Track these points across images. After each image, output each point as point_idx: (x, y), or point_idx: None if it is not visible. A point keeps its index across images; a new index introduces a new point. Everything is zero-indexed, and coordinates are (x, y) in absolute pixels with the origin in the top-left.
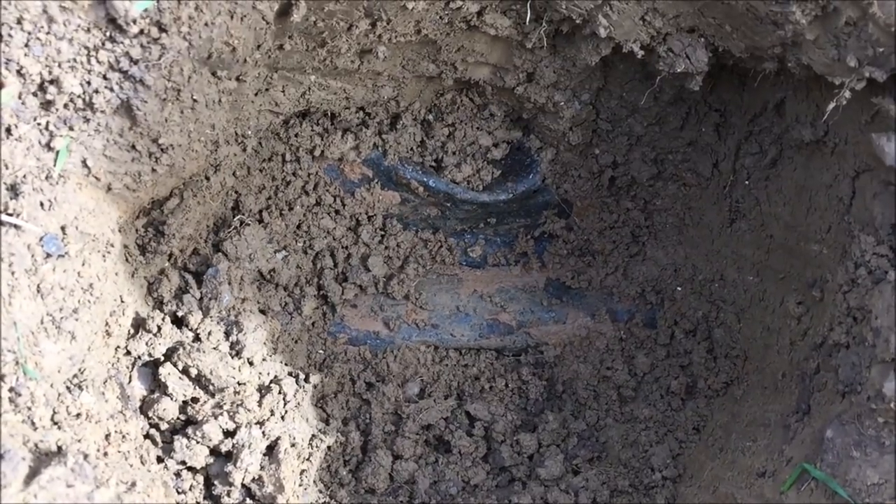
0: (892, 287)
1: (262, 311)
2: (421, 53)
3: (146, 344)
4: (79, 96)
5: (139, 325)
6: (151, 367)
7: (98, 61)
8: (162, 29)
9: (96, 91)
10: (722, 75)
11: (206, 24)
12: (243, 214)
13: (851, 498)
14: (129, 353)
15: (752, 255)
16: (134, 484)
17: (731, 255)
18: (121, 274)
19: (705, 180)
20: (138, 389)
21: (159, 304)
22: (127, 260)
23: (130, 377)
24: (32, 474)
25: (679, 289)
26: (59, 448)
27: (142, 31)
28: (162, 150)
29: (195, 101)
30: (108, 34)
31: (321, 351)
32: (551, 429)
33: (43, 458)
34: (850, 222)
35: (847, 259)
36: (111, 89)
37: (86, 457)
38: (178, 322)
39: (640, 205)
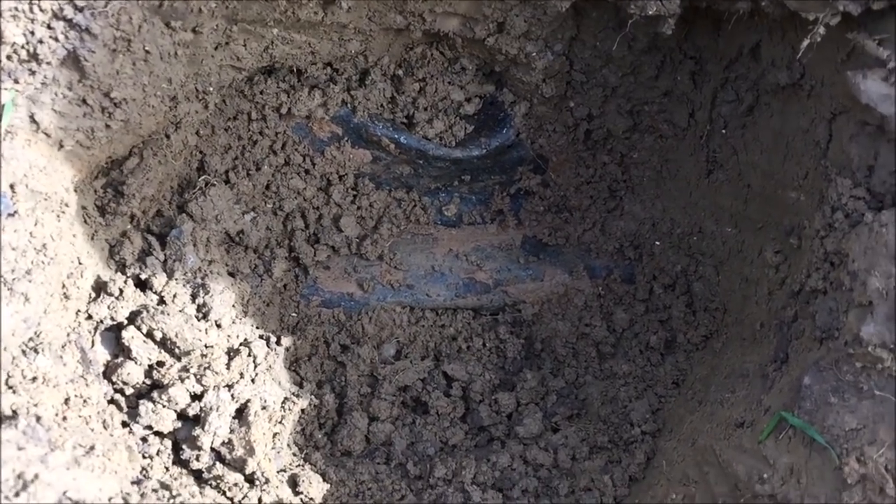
0: (868, 229)
1: (231, 274)
2: (387, 4)
3: (108, 307)
4: (22, 47)
5: (101, 288)
6: (115, 331)
7: (41, 9)
8: None
9: (40, 41)
10: (696, 20)
11: None
12: (208, 175)
13: (829, 444)
14: (90, 316)
15: (730, 206)
16: (93, 448)
17: (709, 206)
18: (79, 235)
19: (682, 131)
20: (101, 354)
21: (122, 267)
22: (85, 221)
23: (93, 341)
24: None
25: (657, 243)
26: (14, 412)
27: None
28: (115, 104)
29: (148, 52)
30: None
31: (294, 314)
32: (530, 387)
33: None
34: (826, 166)
35: (824, 204)
36: (56, 39)
37: (38, 419)
38: (142, 285)
39: (617, 158)
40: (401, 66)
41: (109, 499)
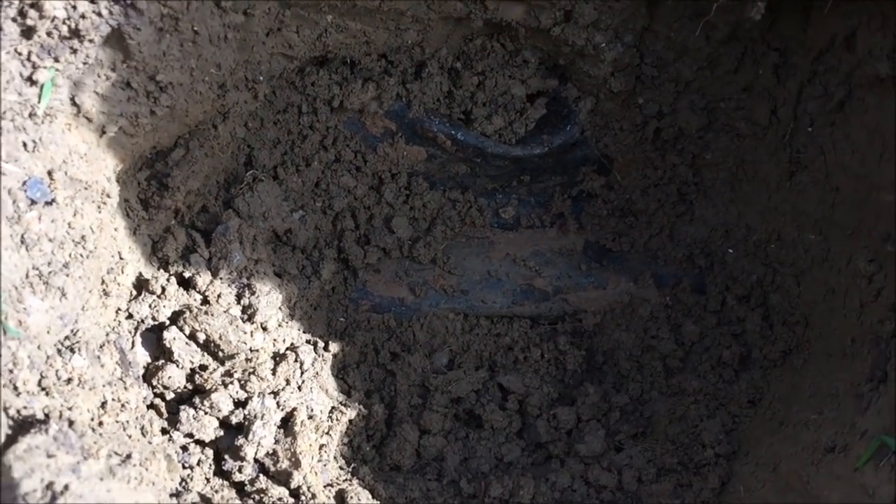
0: None
1: (278, 275)
2: None
3: (150, 306)
4: (63, 22)
5: (142, 285)
6: (156, 332)
7: None
8: None
9: (83, 16)
10: (783, 7)
11: None
12: (256, 170)
13: None
14: (131, 315)
15: (815, 211)
16: (129, 456)
17: (790, 211)
18: (120, 229)
19: (762, 129)
20: (142, 356)
21: (164, 264)
22: (128, 214)
23: (133, 342)
24: (9, 443)
25: (731, 251)
26: (47, 416)
27: None
28: (161, 88)
29: (196, 33)
30: None
31: (342, 318)
32: (591, 402)
33: (25, 427)
34: None
35: None
36: (99, 14)
37: (71, 424)
38: (185, 283)
39: (688, 159)
40: (459, 58)
41: None
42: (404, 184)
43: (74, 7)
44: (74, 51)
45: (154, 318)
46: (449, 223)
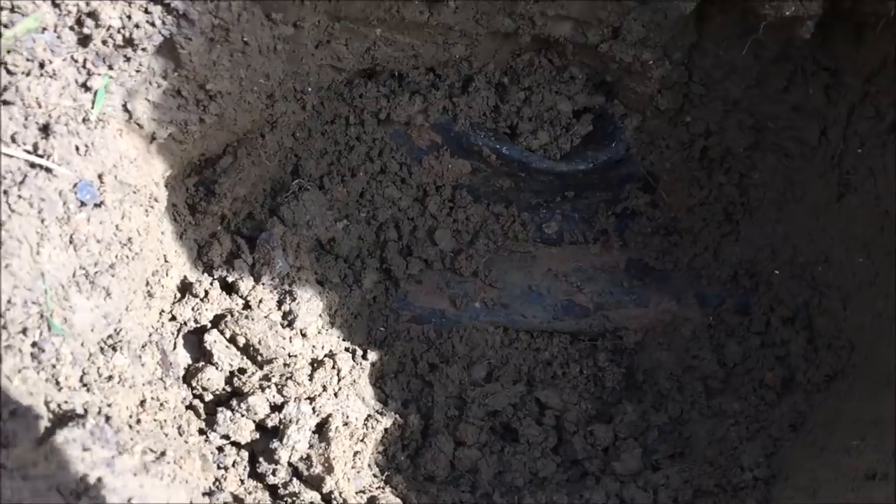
0: None
1: (320, 283)
2: (496, 5)
3: (192, 309)
4: (118, 31)
5: (186, 289)
6: (198, 335)
7: None
8: None
9: (137, 26)
10: (835, 25)
11: None
12: (303, 179)
13: None
14: (174, 317)
15: (864, 234)
16: (164, 454)
17: (838, 233)
18: (167, 233)
19: (810, 150)
20: (183, 357)
21: (209, 269)
22: (175, 219)
23: (175, 344)
24: (48, 435)
25: (777, 272)
26: (86, 411)
27: None
28: (210, 97)
29: (246, 43)
30: None
31: (382, 328)
32: (629, 420)
33: (63, 420)
34: None
35: None
36: (153, 24)
37: (108, 420)
38: (229, 288)
39: (735, 179)
40: (506, 73)
41: None
42: (448, 196)
43: (129, 17)
44: (128, 59)
45: (196, 321)
46: (492, 236)
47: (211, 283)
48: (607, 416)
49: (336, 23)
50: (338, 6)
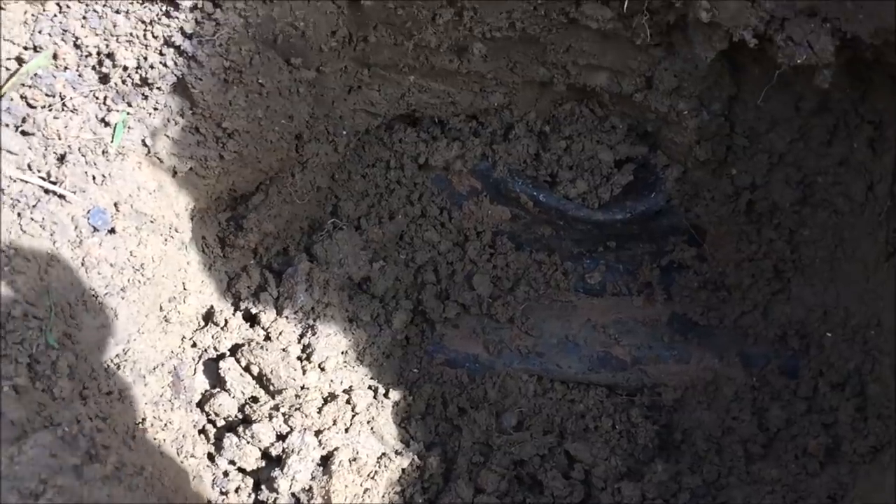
0: None
1: (351, 320)
2: (527, 54)
3: (213, 337)
4: (135, 70)
5: (209, 318)
6: (217, 362)
7: (153, 36)
8: (216, 4)
9: (151, 66)
10: (874, 79)
11: (263, 2)
12: (339, 219)
13: None
14: (195, 344)
15: None
16: (143, 468)
17: (890, 295)
18: (193, 263)
19: (859, 206)
20: (200, 382)
21: (237, 300)
22: (203, 251)
23: (195, 369)
24: (19, 438)
25: (829, 334)
26: (79, 422)
27: (196, 6)
28: (228, 135)
29: (262, 85)
30: (163, 8)
31: (416, 369)
32: (659, 480)
33: (39, 426)
34: None
35: None
36: (166, 65)
37: (83, 430)
38: (252, 319)
39: (785, 235)
40: (548, 122)
41: None
42: (488, 242)
43: (145, 58)
44: (145, 97)
45: (216, 349)
46: (533, 284)
47: (233, 314)
48: (638, 475)
49: (366, 69)
50: (365, 54)
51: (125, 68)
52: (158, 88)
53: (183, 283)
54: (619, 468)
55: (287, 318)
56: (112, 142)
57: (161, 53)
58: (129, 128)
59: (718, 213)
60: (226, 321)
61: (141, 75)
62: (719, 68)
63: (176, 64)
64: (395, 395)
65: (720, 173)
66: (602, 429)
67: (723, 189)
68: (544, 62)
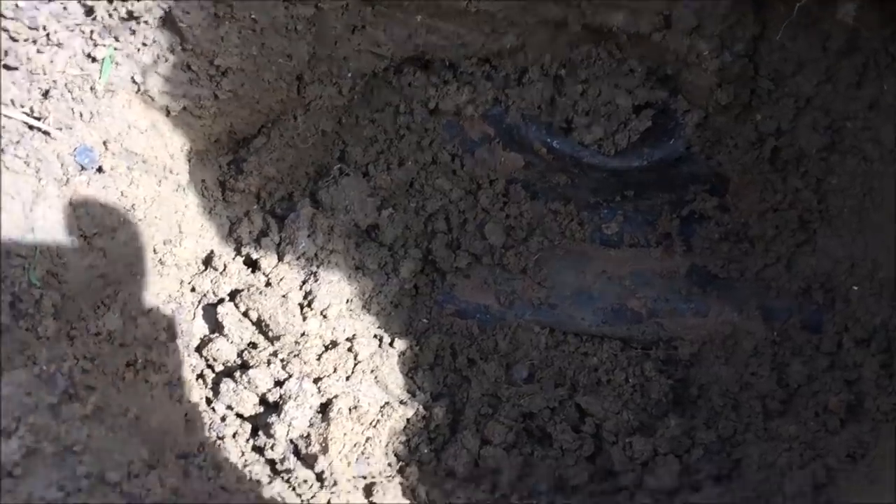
0: None
1: (358, 268)
2: None
3: (211, 282)
4: (121, 2)
5: (208, 262)
6: (216, 307)
7: None
8: None
9: None
10: None
11: None
12: (346, 165)
13: None
14: (194, 289)
15: None
16: (127, 409)
17: None
18: (191, 206)
19: (889, 152)
20: (199, 327)
21: (238, 245)
22: (203, 194)
23: (194, 314)
24: None
25: (855, 288)
26: (58, 360)
27: None
28: (221, 73)
29: (255, 20)
30: None
31: (425, 319)
32: (672, 435)
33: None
34: None
35: None
36: None
37: (61, 369)
38: (253, 265)
39: (812, 183)
40: (564, 65)
41: (129, 462)
42: (501, 190)
43: None
44: (133, 32)
45: (215, 293)
46: (547, 234)
47: (233, 259)
48: (650, 430)
49: (369, 7)
50: None
51: (110, 0)
52: (146, 22)
53: (179, 226)
54: (631, 422)
55: (289, 263)
56: (100, 78)
57: None
58: (117, 64)
59: (742, 161)
60: (225, 266)
61: (127, 8)
62: (742, 6)
63: None
64: (401, 344)
65: (743, 118)
66: (615, 382)
67: (746, 135)
68: (557, 0)
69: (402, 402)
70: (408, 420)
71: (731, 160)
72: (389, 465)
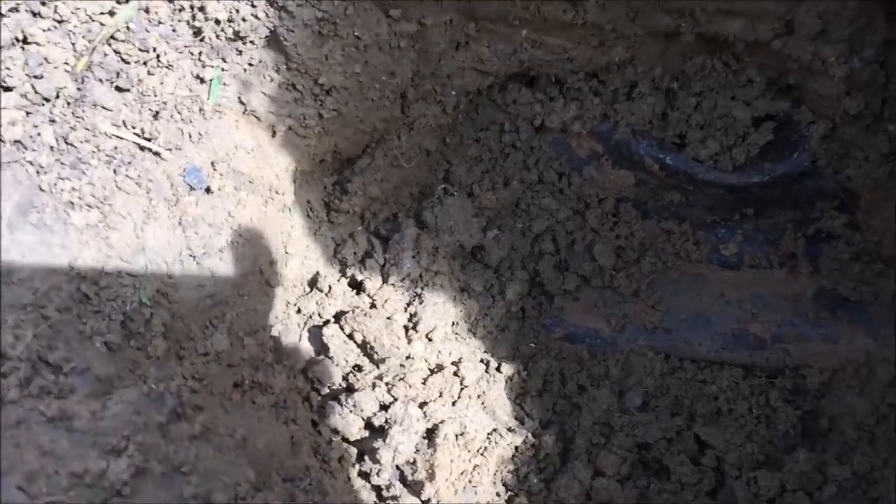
0: None
1: (463, 290)
2: (649, 1)
3: (317, 303)
4: (228, 23)
5: (314, 283)
6: (322, 329)
7: None
8: None
9: (243, 19)
10: None
11: None
12: (451, 185)
13: None
14: (300, 310)
15: None
16: (234, 432)
17: None
18: (297, 227)
19: None
20: (306, 349)
21: (343, 266)
22: (308, 215)
23: (300, 336)
24: (103, 393)
25: None
26: (167, 380)
27: None
28: (325, 91)
29: (358, 38)
30: None
31: (532, 343)
32: (801, 470)
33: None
34: None
35: None
36: (257, 17)
37: (169, 388)
38: (358, 286)
39: None
40: (676, 78)
41: (237, 484)
42: (611, 209)
43: (237, 10)
44: (240, 52)
45: (320, 315)
46: (660, 255)
47: (338, 280)
48: (777, 464)
49: (472, 22)
50: (470, 6)
51: (217, 21)
52: (252, 42)
53: (285, 247)
54: (756, 455)
55: (393, 285)
56: (208, 99)
57: (252, 5)
58: (224, 84)
59: (873, 175)
60: (330, 287)
61: (233, 29)
62: (871, 7)
63: (267, 15)
64: (508, 369)
65: (874, 129)
66: (737, 412)
67: (878, 147)
68: (669, 10)
69: (510, 429)
70: (516, 448)
71: (862, 174)
72: (497, 494)
